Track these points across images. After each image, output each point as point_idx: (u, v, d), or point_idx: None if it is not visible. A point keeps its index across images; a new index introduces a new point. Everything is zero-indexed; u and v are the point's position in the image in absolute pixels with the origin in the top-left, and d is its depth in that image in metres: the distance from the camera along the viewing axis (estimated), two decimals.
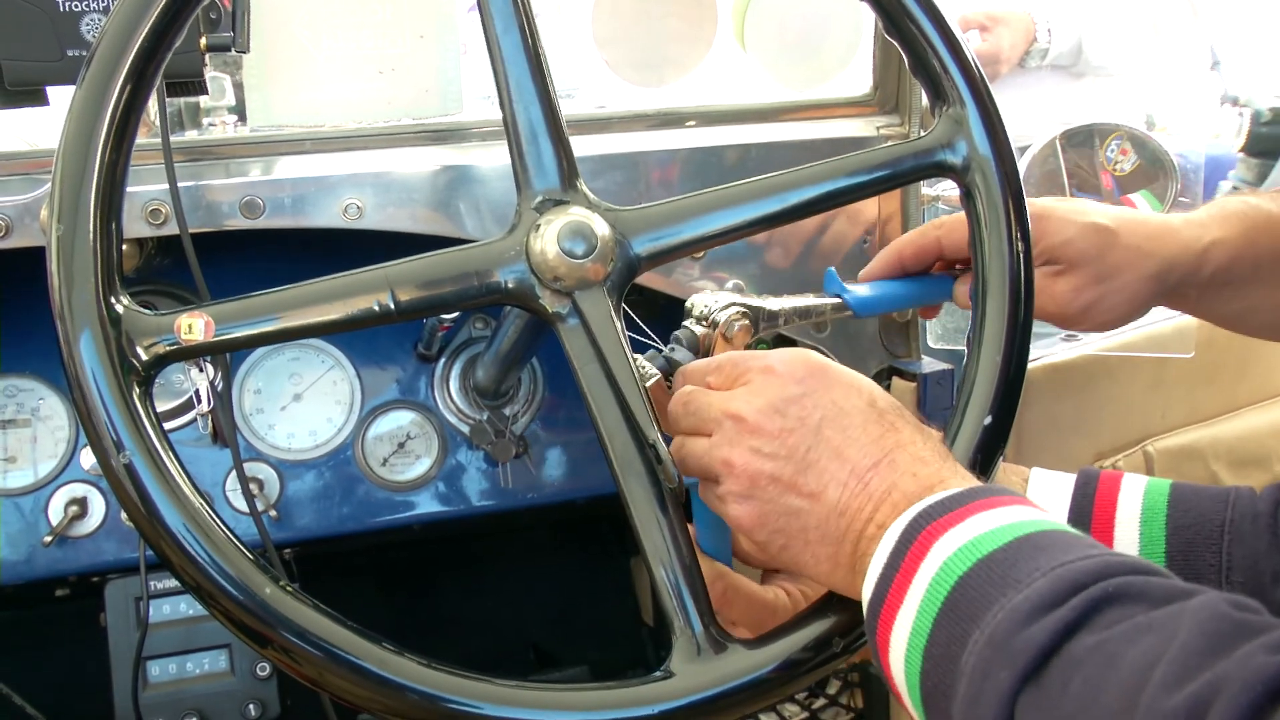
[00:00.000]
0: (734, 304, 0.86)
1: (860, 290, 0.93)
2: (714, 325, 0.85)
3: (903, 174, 0.81)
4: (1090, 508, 0.74)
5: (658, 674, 0.69)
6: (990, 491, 0.61)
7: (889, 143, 0.94)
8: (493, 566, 1.63)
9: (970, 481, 0.64)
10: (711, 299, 0.87)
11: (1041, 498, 0.76)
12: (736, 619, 0.76)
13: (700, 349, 0.85)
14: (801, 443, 0.66)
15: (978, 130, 0.81)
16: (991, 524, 0.59)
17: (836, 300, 0.92)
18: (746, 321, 0.86)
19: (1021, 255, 0.79)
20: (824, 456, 0.66)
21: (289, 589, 0.67)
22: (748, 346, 0.87)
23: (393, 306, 0.71)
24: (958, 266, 0.96)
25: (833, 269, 0.93)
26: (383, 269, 0.72)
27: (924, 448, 0.65)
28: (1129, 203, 1.17)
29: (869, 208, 1.17)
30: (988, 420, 0.76)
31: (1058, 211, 0.92)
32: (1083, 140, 1.18)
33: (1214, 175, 1.84)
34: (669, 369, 0.81)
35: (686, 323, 0.87)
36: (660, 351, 0.84)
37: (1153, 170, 1.13)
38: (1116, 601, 0.52)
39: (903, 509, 0.62)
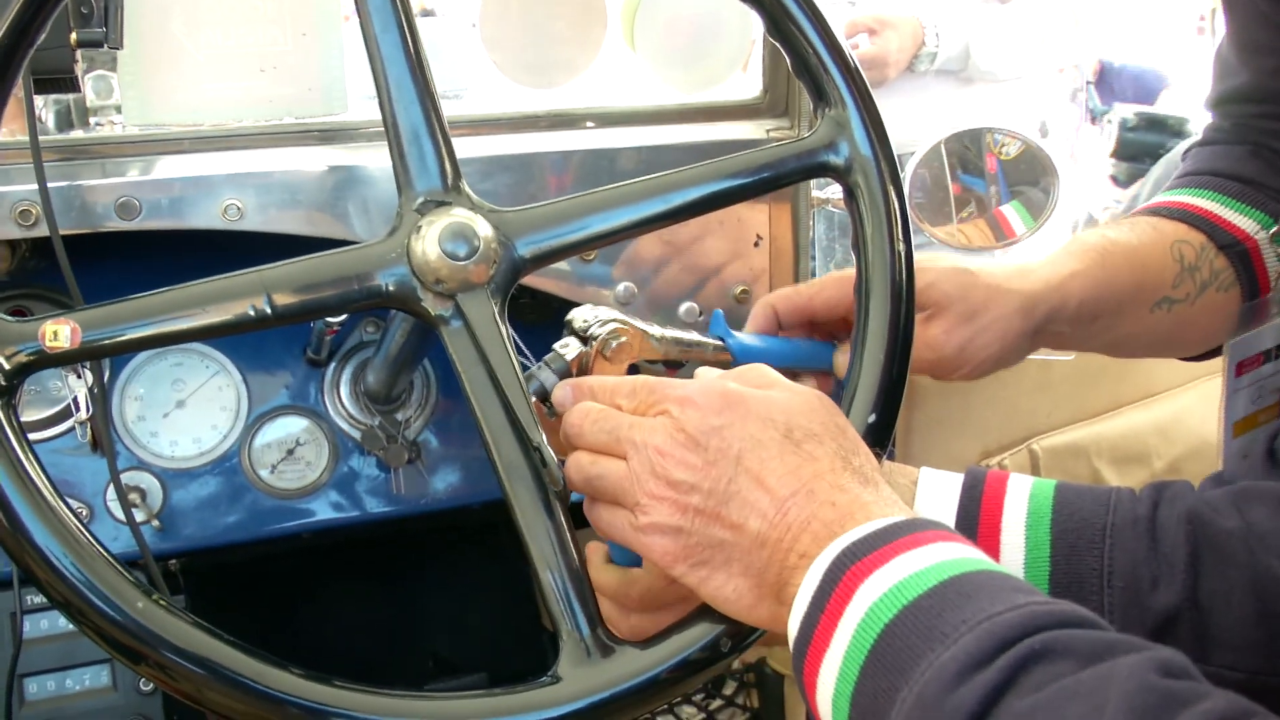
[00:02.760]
0: (615, 321, 0.85)
1: (745, 339, 0.94)
2: (593, 341, 0.85)
3: (786, 174, 0.82)
4: (977, 511, 0.75)
5: (545, 679, 0.68)
6: (914, 526, 0.61)
7: (773, 144, 0.95)
8: (389, 574, 1.61)
9: (893, 508, 0.64)
10: (593, 313, 0.86)
11: (929, 498, 0.77)
12: (668, 603, 0.77)
13: (576, 367, 0.84)
14: (723, 475, 0.65)
15: (859, 131, 0.82)
16: (916, 565, 0.59)
17: (719, 343, 0.92)
18: (626, 340, 0.85)
19: (903, 256, 0.81)
20: (745, 488, 0.65)
21: (162, 603, 0.65)
22: (632, 369, 0.87)
23: (269, 311, 0.70)
24: (838, 336, 0.97)
25: (720, 312, 0.94)
26: (258, 272, 0.71)
27: (843, 474, 0.65)
28: (1002, 219, 1.19)
29: (758, 211, 1.18)
30: (871, 419, 0.77)
31: (918, 259, 0.94)
32: (970, 139, 1.20)
33: None
34: (539, 393, 0.81)
35: (566, 338, 0.86)
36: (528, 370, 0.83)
37: (1034, 168, 1.16)
38: (1044, 659, 0.52)
39: (824, 539, 0.62)
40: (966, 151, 1.17)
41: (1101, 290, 0.98)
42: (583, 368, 0.84)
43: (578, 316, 0.86)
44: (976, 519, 0.74)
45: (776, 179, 0.82)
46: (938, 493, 0.76)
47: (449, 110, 0.77)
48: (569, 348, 0.85)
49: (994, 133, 1.16)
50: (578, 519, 0.73)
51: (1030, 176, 1.18)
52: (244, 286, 0.70)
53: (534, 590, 1.57)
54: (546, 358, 0.85)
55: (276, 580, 1.54)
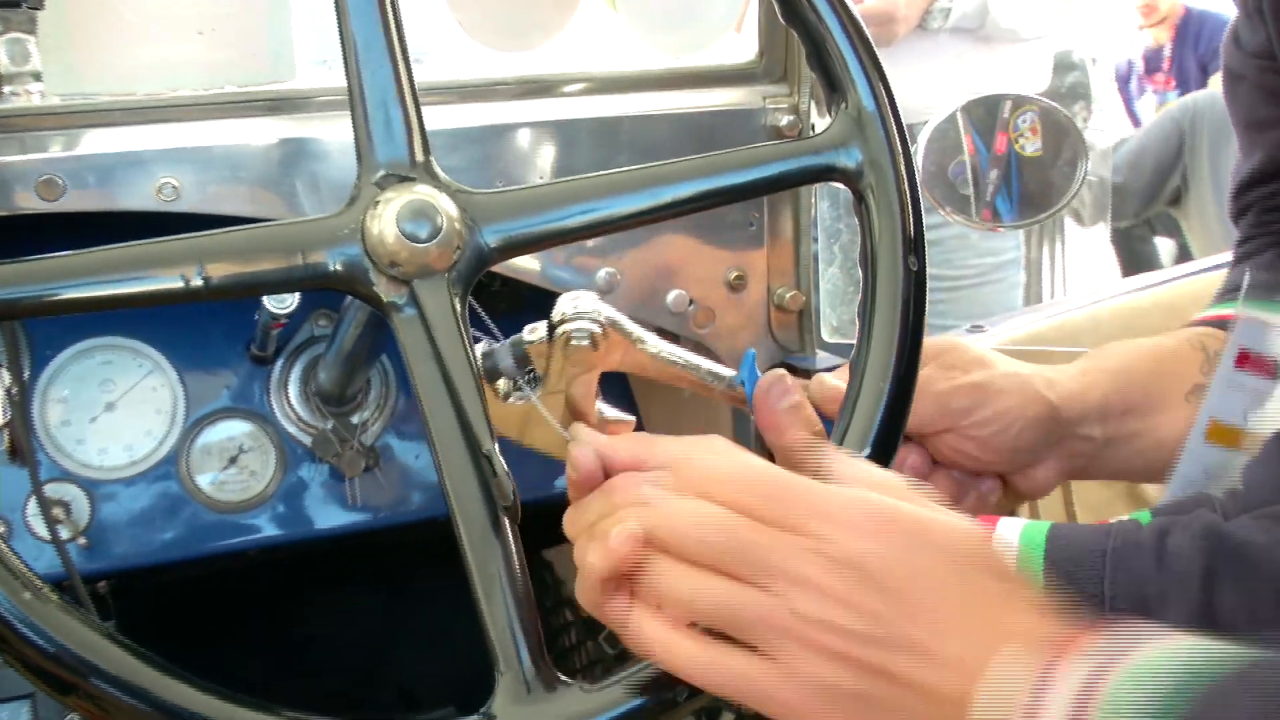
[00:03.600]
0: (593, 318, 0.84)
1: None
2: (556, 328, 0.83)
3: (791, 176, 0.82)
4: None
5: (475, 718, 0.69)
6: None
7: (777, 142, 0.95)
8: (346, 596, 1.61)
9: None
10: (579, 303, 0.84)
11: None
12: None
13: (534, 356, 0.84)
14: (885, 614, 0.60)
15: (876, 132, 0.82)
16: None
17: (735, 389, 0.88)
18: (589, 344, 0.83)
19: (916, 273, 0.81)
20: (916, 630, 0.60)
21: (95, 626, 0.66)
22: (615, 379, 0.86)
23: (202, 283, 0.70)
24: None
25: (754, 353, 0.89)
26: (193, 239, 0.71)
27: (1019, 594, 0.62)
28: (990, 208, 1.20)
29: None
30: (866, 453, 0.78)
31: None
32: (990, 108, 1.20)
33: None
34: (488, 374, 0.81)
35: (539, 322, 0.86)
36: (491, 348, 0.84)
37: (1059, 143, 1.17)
38: None
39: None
40: (981, 125, 1.18)
41: (1122, 381, 0.99)
42: (543, 360, 0.84)
43: (562, 302, 0.85)
44: None
45: (780, 180, 0.82)
46: None
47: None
48: (535, 332, 0.85)
49: (1017, 109, 1.17)
50: (527, 539, 0.73)
51: (1051, 159, 1.19)
52: (177, 253, 0.70)
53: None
54: (511, 338, 0.85)
55: (218, 604, 1.54)
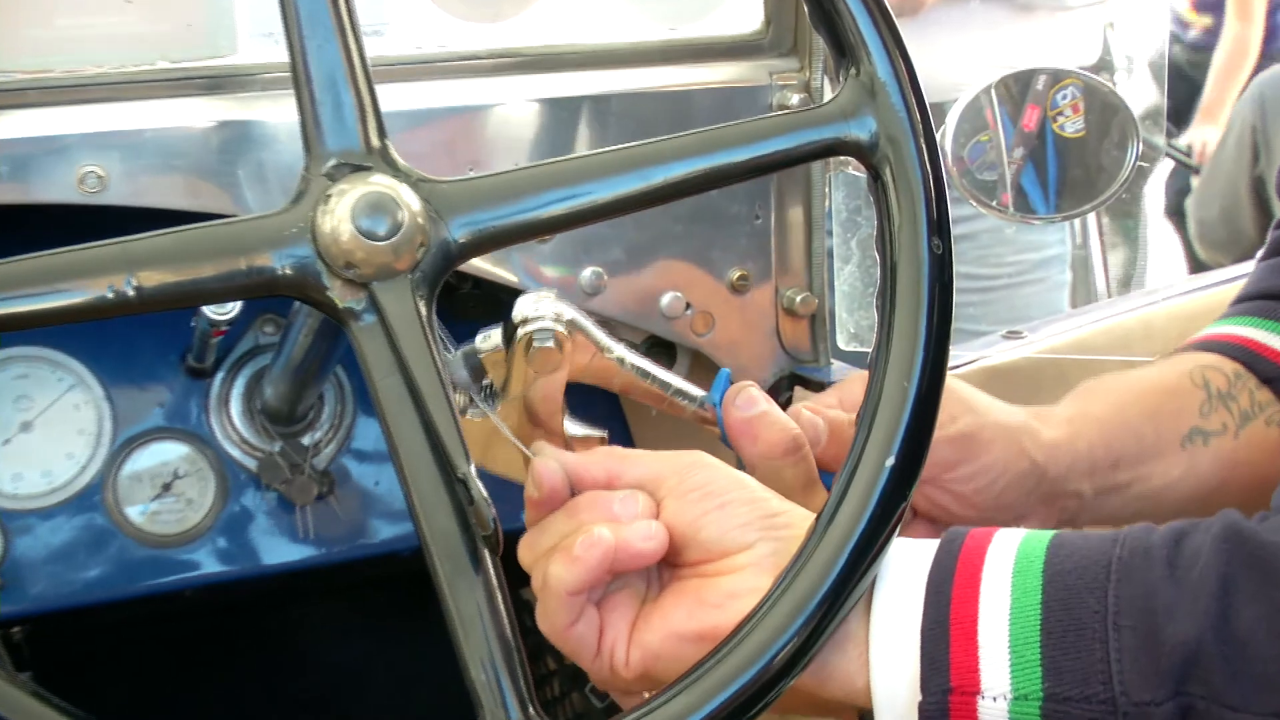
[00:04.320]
0: (554, 319, 0.84)
1: None
2: (517, 331, 0.83)
3: (797, 151, 0.81)
4: (953, 564, 0.76)
5: None
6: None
7: (777, 111, 0.95)
8: (307, 639, 1.61)
9: None
10: (540, 305, 0.84)
11: (897, 558, 0.78)
12: None
13: (490, 367, 0.84)
14: None
15: (892, 99, 0.81)
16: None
17: (705, 409, 0.90)
18: (553, 345, 0.83)
19: (941, 256, 0.80)
20: None
21: (7, 677, 0.65)
22: (593, 391, 0.87)
23: (132, 294, 0.69)
24: None
25: (728, 372, 0.92)
26: (121, 244, 0.70)
27: None
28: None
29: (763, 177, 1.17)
30: (890, 463, 0.76)
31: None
32: (1023, 84, 1.20)
33: None
34: None
35: (493, 328, 0.86)
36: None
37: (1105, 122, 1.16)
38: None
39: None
40: (1012, 100, 1.17)
41: (1111, 429, 1.01)
42: (501, 370, 0.84)
43: (521, 304, 0.85)
44: (952, 572, 0.75)
45: (783, 157, 0.81)
46: (906, 552, 0.77)
47: (367, 50, 0.77)
48: (489, 339, 0.84)
49: (1049, 76, 1.16)
50: (511, 573, 0.72)
51: (1096, 140, 1.19)
52: (104, 261, 0.69)
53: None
54: (464, 347, 0.85)
55: (153, 651, 1.54)
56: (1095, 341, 1.38)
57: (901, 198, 0.81)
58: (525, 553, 0.76)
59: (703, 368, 1.23)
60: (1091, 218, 2.43)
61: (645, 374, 0.89)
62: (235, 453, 1.21)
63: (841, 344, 1.25)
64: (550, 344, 0.83)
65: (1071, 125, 1.17)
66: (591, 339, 0.86)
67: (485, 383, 0.85)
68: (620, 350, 0.88)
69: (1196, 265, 4.43)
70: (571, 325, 0.85)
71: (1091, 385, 1.07)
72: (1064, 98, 1.19)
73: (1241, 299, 1.12)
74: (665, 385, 0.90)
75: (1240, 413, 1.04)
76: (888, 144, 0.81)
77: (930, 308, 0.79)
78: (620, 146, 0.80)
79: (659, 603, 0.78)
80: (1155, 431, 1.02)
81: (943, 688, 0.71)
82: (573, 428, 0.88)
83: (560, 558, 0.72)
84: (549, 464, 0.77)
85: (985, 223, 1.97)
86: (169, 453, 1.20)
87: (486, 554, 0.71)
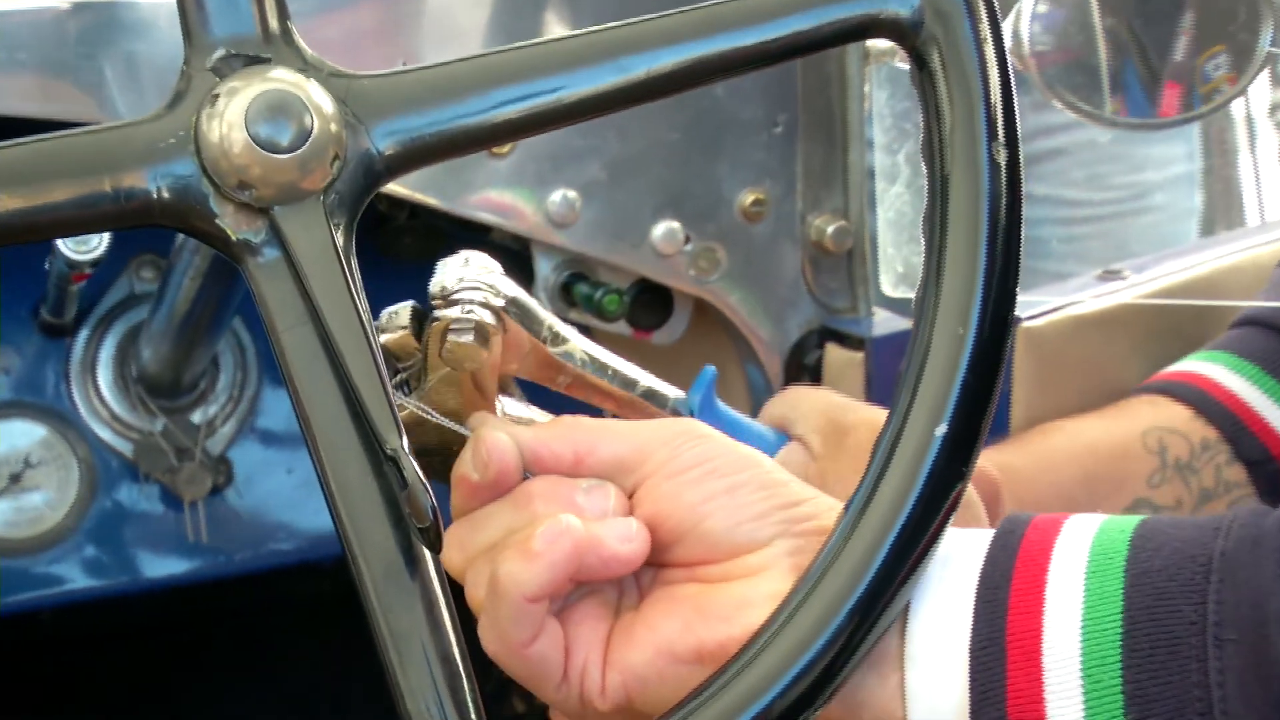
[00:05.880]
0: (486, 294, 0.83)
1: (728, 416, 0.97)
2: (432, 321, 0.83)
3: (818, 32, 0.80)
4: (1012, 562, 0.76)
5: None
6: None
7: None
8: (190, 675, 1.62)
9: None
10: (465, 272, 0.84)
11: (945, 556, 0.79)
12: None
13: (398, 357, 0.83)
14: None
15: None
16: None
17: (679, 416, 0.92)
18: (471, 339, 0.81)
19: (1005, 166, 0.80)
20: None
21: None
22: (557, 397, 0.87)
23: None
24: None
25: (713, 369, 0.94)
26: None
27: None
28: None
29: (779, 73, 1.18)
30: (940, 431, 0.76)
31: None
32: None
33: None
34: None
35: (402, 304, 0.85)
36: None
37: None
38: None
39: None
40: (1122, 41, 1.17)
41: (1039, 489, 1.06)
42: (416, 360, 0.83)
43: (443, 271, 0.85)
44: (1010, 573, 0.75)
45: (803, 40, 0.80)
46: (951, 546, 0.78)
47: None
48: (396, 318, 0.84)
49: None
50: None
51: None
52: None
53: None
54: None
55: (28, 690, 1.55)
56: (1224, 282, 1.38)
57: (955, 91, 0.80)
58: (454, 551, 0.75)
59: (707, 322, 1.23)
60: (1241, 126, 2.45)
61: (604, 370, 0.90)
62: (105, 434, 1.23)
63: (887, 289, 1.25)
64: (469, 339, 0.83)
65: (1222, 95, 1.18)
66: (533, 328, 0.86)
67: (396, 372, 0.85)
68: (565, 331, 0.88)
69: None
70: (509, 307, 0.85)
71: (1030, 434, 1.13)
72: (1213, 67, 1.20)
73: (1233, 324, 1.18)
74: (631, 384, 0.91)
75: (1201, 490, 1.08)
76: (935, 20, 0.81)
77: (992, 232, 0.79)
78: (593, 29, 0.79)
79: (642, 613, 0.77)
80: (1089, 499, 1.06)
81: None
82: (510, 406, 0.89)
83: (514, 554, 0.72)
84: (498, 437, 0.76)
85: (1084, 133, 1.97)
86: (19, 435, 1.21)
87: (425, 553, 0.71)
